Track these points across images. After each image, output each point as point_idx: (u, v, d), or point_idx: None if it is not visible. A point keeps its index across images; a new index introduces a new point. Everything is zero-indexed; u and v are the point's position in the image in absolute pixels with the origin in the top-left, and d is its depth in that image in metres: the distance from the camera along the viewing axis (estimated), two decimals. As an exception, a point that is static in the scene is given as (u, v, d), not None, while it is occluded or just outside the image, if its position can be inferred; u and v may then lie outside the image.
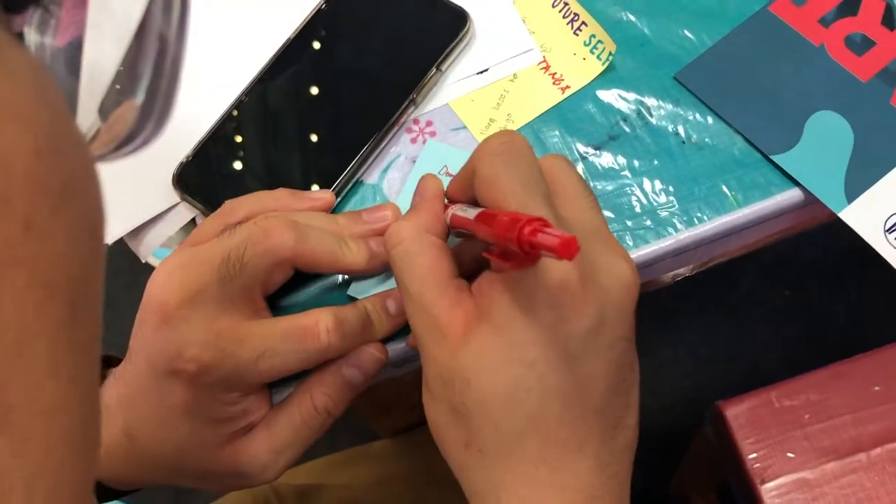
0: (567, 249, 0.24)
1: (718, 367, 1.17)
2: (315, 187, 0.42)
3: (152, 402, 0.36)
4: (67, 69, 0.23)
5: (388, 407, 0.65)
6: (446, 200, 0.36)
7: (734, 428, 0.70)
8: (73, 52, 0.23)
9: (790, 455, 0.68)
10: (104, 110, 0.22)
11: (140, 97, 0.21)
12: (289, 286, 0.39)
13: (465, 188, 0.33)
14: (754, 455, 0.69)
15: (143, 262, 0.45)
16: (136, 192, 0.45)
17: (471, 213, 0.31)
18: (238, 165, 0.43)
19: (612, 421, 0.30)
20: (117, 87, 0.22)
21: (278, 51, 0.45)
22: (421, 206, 0.35)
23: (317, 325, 0.36)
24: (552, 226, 0.25)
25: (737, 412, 0.71)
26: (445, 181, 0.41)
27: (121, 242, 0.45)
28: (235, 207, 0.39)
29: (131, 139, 0.21)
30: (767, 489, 0.68)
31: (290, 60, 0.45)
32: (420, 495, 0.62)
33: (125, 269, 0.64)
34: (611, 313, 0.29)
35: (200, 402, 0.36)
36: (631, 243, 0.40)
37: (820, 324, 1.19)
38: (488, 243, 0.30)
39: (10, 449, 0.15)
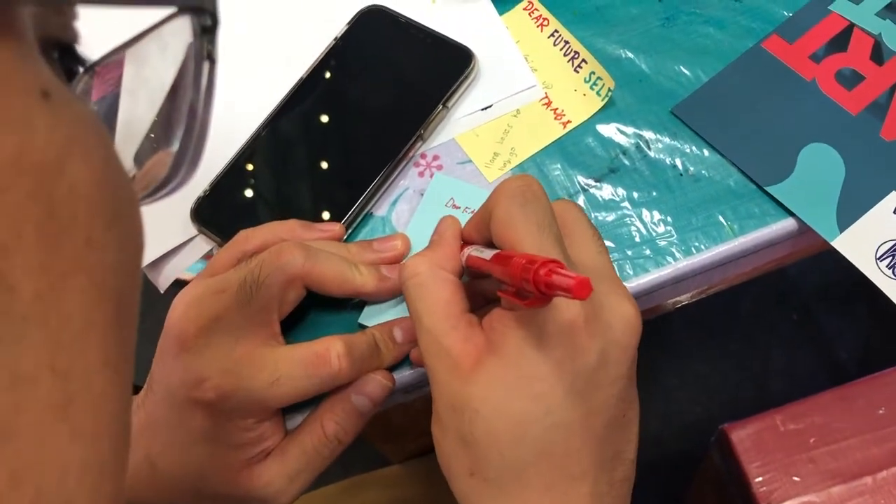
0: (581, 290, 0.25)
1: (724, 393, 1.18)
2: (326, 216, 0.44)
3: (173, 429, 0.38)
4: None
5: (399, 433, 0.66)
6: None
7: (740, 451, 0.71)
8: (106, 107, 0.26)
9: (796, 478, 0.69)
10: (139, 159, 0.24)
11: (175, 146, 0.23)
12: (300, 316, 0.41)
13: (482, 229, 0.35)
14: (760, 478, 0.69)
15: (161, 292, 0.47)
16: (155, 225, 0.46)
17: (487, 253, 0.33)
18: (253, 199, 0.45)
19: (612, 453, 0.32)
20: (151, 135, 0.24)
21: (292, 89, 0.47)
22: (438, 244, 0.37)
23: (328, 351, 0.37)
24: (566, 267, 0.27)
25: (742, 436, 0.71)
26: (452, 213, 0.43)
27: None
28: (249, 237, 0.41)
29: (167, 182, 0.23)
30: (774, 513, 0.68)
31: (303, 98, 0.47)
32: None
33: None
34: (615, 352, 0.31)
35: (219, 428, 0.37)
36: (631, 272, 0.42)
37: (825, 348, 1.20)
38: (502, 282, 0.31)
39: (69, 435, 0.17)
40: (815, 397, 0.72)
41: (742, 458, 0.70)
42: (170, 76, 0.23)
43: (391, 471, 0.71)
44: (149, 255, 0.46)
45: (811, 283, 1.22)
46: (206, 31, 0.22)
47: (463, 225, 0.38)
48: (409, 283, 0.34)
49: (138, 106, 0.25)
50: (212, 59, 0.23)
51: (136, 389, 0.43)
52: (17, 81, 0.16)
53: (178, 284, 0.47)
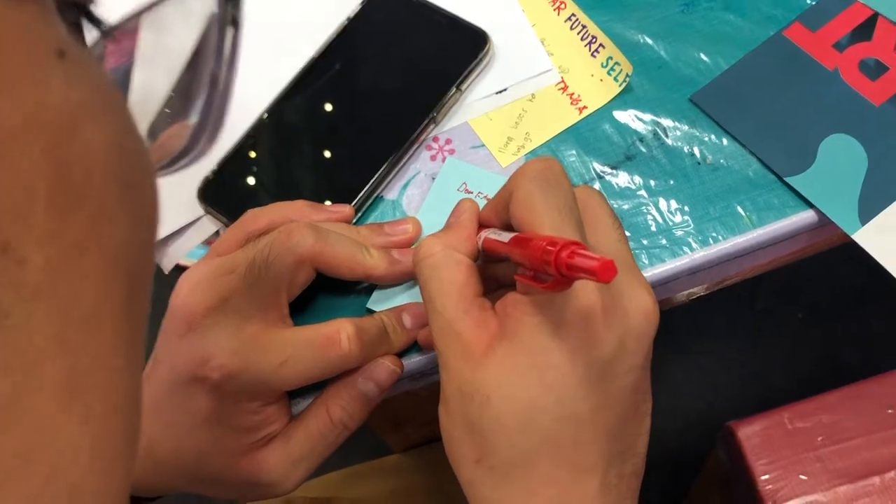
0: (605, 272, 0.24)
1: (731, 389, 1.17)
2: (336, 199, 0.43)
3: (175, 410, 0.37)
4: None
5: (403, 422, 0.65)
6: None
7: (746, 449, 0.70)
8: (119, 77, 0.25)
9: (803, 477, 0.68)
10: (153, 133, 0.23)
11: (194, 118, 0.22)
12: (308, 299, 0.40)
13: (500, 212, 0.34)
14: (767, 476, 0.69)
15: (167, 273, 0.46)
16: (161, 205, 0.46)
17: (504, 236, 0.32)
18: (261, 180, 0.44)
19: (623, 447, 0.31)
20: (167, 111, 0.23)
21: (302, 69, 0.46)
22: (454, 226, 0.36)
23: (338, 333, 0.36)
24: (588, 249, 0.26)
25: (749, 433, 0.71)
26: (464, 197, 0.43)
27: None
28: (257, 216, 0.40)
29: (186, 153, 0.22)
30: (779, 511, 0.67)
31: (313, 78, 0.46)
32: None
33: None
34: (631, 342, 0.30)
35: (222, 410, 0.37)
36: (646, 262, 0.41)
37: (833, 345, 1.19)
38: (519, 266, 0.30)
39: (80, 417, 0.16)
40: (824, 396, 0.72)
41: (749, 455, 0.70)
42: (191, 43, 0.22)
43: (392, 460, 0.70)
44: (154, 236, 0.45)
45: (818, 280, 1.22)
46: None
47: (480, 208, 0.37)
48: (422, 263, 0.34)
49: (156, 76, 0.24)
50: (236, 25, 0.22)
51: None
52: (34, 39, 0.15)
53: (179, 269, 0.46)
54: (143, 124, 0.24)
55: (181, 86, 0.23)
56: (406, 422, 0.65)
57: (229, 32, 0.22)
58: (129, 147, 0.18)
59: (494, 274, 0.36)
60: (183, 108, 0.23)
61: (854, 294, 1.20)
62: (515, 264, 0.31)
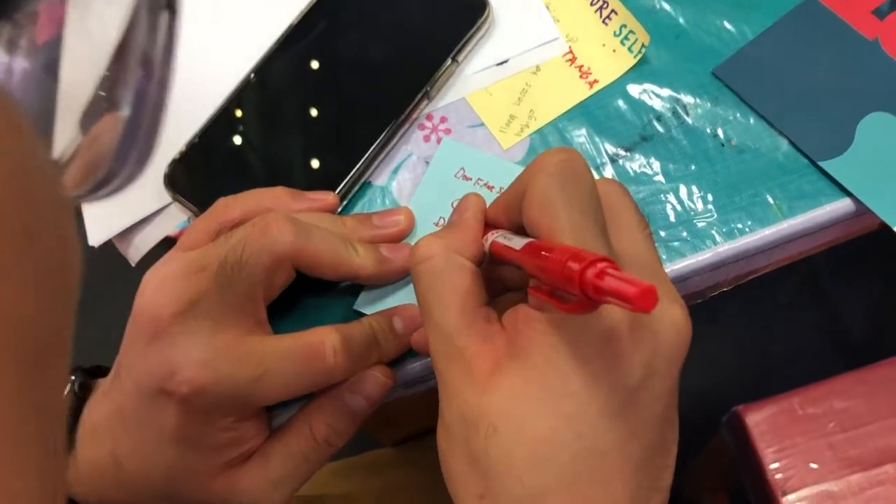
0: (645, 300, 0.20)
1: (737, 371, 1.14)
2: (318, 185, 0.38)
3: (142, 426, 0.33)
4: (46, 70, 0.21)
5: (393, 420, 0.62)
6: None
7: (755, 435, 0.67)
8: (53, 51, 0.21)
9: (813, 465, 0.65)
10: (85, 122, 0.19)
11: (125, 111, 0.18)
12: (287, 300, 0.36)
13: (511, 211, 0.30)
14: (776, 464, 0.66)
15: (133, 265, 0.42)
16: (126, 191, 0.41)
17: (515, 241, 0.28)
18: (234, 164, 0.40)
19: (648, 482, 0.27)
20: (102, 93, 0.19)
21: (278, 39, 0.41)
22: (458, 226, 0.31)
23: (323, 344, 0.33)
24: (620, 268, 0.22)
25: (758, 419, 0.68)
26: (462, 184, 0.38)
27: (108, 245, 0.42)
28: (229, 205, 0.36)
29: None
30: (789, 501, 0.65)
31: (293, 48, 0.41)
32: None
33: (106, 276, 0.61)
34: (660, 365, 0.26)
35: (192, 427, 0.33)
36: (665, 256, 0.37)
37: (844, 328, 1.16)
38: (533, 277, 0.26)
39: None
40: (835, 380, 0.68)
41: (757, 442, 0.67)
42: (116, 27, 0.18)
43: (384, 454, 0.66)
44: (119, 225, 0.41)
45: (825, 261, 1.18)
46: None
47: (488, 204, 0.33)
48: (420, 268, 0.29)
49: (83, 60, 0.20)
50: (172, 9, 0.18)
51: (105, 372, 0.38)
52: None
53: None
54: (75, 109, 0.20)
55: (110, 75, 0.19)
56: (397, 420, 0.61)
57: (163, 17, 0.17)
58: (29, 180, 0.14)
59: (500, 276, 0.32)
60: (114, 98, 0.19)
61: (863, 273, 1.16)
62: (527, 274, 0.27)
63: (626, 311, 0.25)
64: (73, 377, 0.36)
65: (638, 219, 0.29)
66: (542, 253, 0.25)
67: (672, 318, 0.27)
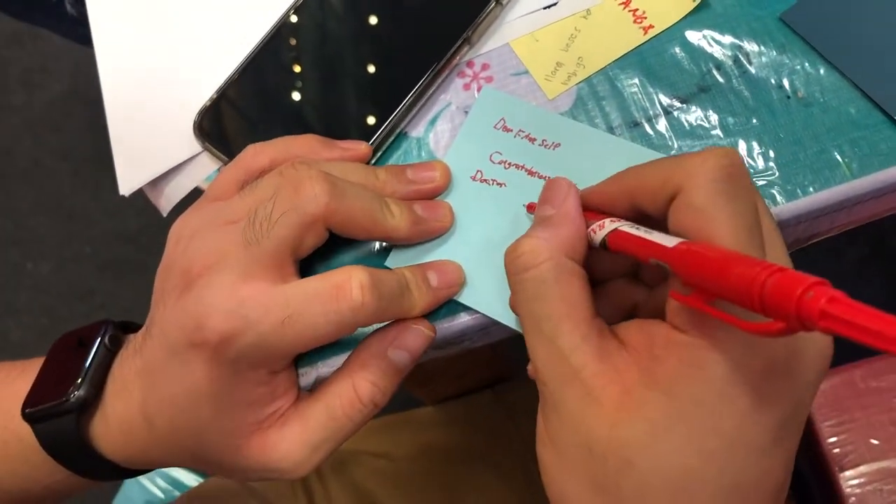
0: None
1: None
2: (351, 135, 0.37)
3: (172, 382, 0.32)
4: None
5: (430, 378, 0.60)
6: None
7: (813, 408, 0.64)
8: None
9: (874, 442, 0.62)
10: None
11: None
12: (317, 256, 0.34)
13: (619, 199, 0.28)
14: (834, 439, 0.63)
15: (164, 215, 0.41)
16: (155, 139, 0.40)
17: (661, 238, 0.25)
18: (265, 113, 0.38)
19: None
20: None
21: (314, -21, 0.39)
22: (560, 221, 0.29)
23: (349, 280, 0.30)
24: (842, 294, 0.19)
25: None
26: (502, 136, 0.36)
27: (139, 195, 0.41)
28: (258, 153, 0.35)
29: None
30: (846, 477, 0.62)
31: (327, -10, 0.39)
32: (458, 472, 0.58)
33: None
34: (808, 396, 0.25)
35: (222, 382, 0.31)
36: (719, 217, 0.34)
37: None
38: (686, 285, 0.24)
39: None
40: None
41: (815, 415, 0.64)
42: None
43: (424, 413, 0.65)
44: (149, 173, 0.40)
45: (893, 226, 1.12)
46: None
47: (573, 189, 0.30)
48: (525, 276, 0.27)
49: None
50: None
51: (137, 328, 0.38)
52: None
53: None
54: None
55: None
56: (434, 378, 0.60)
57: None
58: None
59: (590, 265, 0.30)
60: None
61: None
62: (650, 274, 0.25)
63: (784, 341, 0.23)
64: (102, 330, 0.35)
65: (777, 230, 0.27)
66: (722, 264, 0.21)
67: (821, 347, 0.25)
